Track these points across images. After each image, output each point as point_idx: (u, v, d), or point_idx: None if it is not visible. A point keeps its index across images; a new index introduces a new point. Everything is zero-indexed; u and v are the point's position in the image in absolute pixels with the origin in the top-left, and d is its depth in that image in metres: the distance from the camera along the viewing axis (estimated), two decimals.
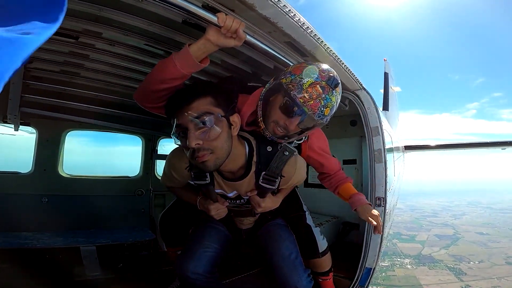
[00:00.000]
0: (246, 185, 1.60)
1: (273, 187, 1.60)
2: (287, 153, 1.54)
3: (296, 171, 1.60)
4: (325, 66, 1.45)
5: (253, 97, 1.57)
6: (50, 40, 1.85)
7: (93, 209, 3.51)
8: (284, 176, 1.58)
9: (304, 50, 1.66)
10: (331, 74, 1.40)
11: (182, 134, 1.25)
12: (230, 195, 1.67)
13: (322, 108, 1.37)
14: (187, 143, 1.22)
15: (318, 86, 1.36)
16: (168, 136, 4.34)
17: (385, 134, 2.50)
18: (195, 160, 1.29)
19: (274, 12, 1.31)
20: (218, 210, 1.65)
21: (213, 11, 1.29)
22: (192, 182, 1.63)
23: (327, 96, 1.37)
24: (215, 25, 1.21)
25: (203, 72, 2.34)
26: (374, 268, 2.32)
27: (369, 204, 1.93)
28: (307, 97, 1.34)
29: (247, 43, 1.54)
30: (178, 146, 1.60)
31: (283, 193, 1.79)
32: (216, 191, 1.64)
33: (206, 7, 1.25)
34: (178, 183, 1.73)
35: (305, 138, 1.73)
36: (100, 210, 3.57)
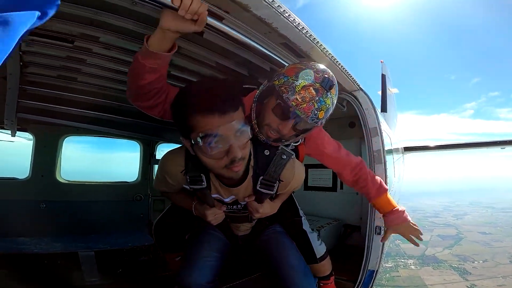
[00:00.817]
0: (243, 190, 1.54)
1: (272, 192, 1.54)
2: (285, 156, 1.49)
3: (294, 175, 1.55)
4: (320, 66, 1.39)
5: (249, 99, 1.51)
6: (46, 45, 1.85)
7: (91, 214, 3.49)
8: (282, 181, 1.53)
9: (300, 51, 1.65)
10: (325, 75, 1.34)
11: (215, 143, 1.13)
12: (227, 200, 1.60)
13: (316, 111, 1.32)
14: (233, 154, 1.15)
15: (311, 88, 1.30)
16: (167, 141, 4.34)
17: (384, 135, 2.48)
18: (228, 170, 1.23)
19: (269, 13, 1.30)
20: (215, 216, 1.58)
21: (209, 14, 1.28)
22: (187, 187, 1.56)
23: (321, 98, 1.31)
24: (171, 7, 1.07)
25: (199, 74, 2.34)
26: (377, 270, 2.29)
27: (405, 218, 1.89)
28: (299, 100, 1.29)
29: (242, 45, 1.53)
30: (171, 150, 1.55)
31: (281, 198, 1.74)
32: (213, 195, 1.57)
33: None
34: (172, 188, 1.66)
35: (301, 140, 1.68)
36: (99, 215, 3.55)
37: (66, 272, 2.69)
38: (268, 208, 1.63)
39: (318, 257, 1.99)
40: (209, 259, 1.70)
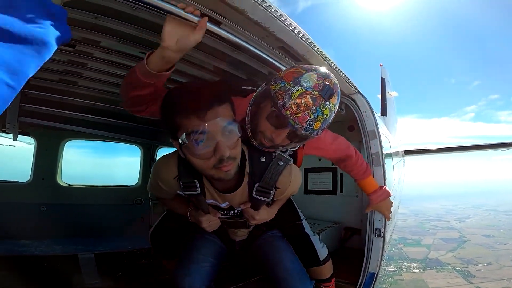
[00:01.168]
0: (238, 196, 1.49)
1: (268, 199, 1.49)
2: (282, 163, 1.42)
3: (291, 182, 1.50)
4: (322, 71, 1.28)
5: (247, 101, 1.44)
6: None
7: (91, 218, 3.51)
8: (279, 188, 1.48)
9: (297, 55, 1.67)
10: (326, 83, 1.23)
11: (201, 141, 1.09)
12: (223, 205, 1.55)
13: (311, 122, 1.23)
14: (220, 152, 1.10)
15: (308, 96, 1.20)
16: (167, 145, 4.35)
17: (383, 138, 2.49)
18: (217, 170, 1.17)
19: (265, 17, 1.33)
20: (210, 222, 1.55)
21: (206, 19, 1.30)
22: (181, 193, 1.51)
23: (317, 108, 1.21)
24: (172, 13, 1.05)
25: (198, 78, 2.36)
26: (378, 273, 2.28)
27: (388, 194, 2.13)
28: (294, 109, 1.20)
29: (240, 49, 1.54)
30: (164, 155, 1.52)
31: (278, 203, 1.69)
32: (208, 201, 1.52)
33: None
34: (166, 194, 1.62)
35: (300, 145, 1.58)
36: (99, 219, 3.57)
37: (66, 274, 2.70)
38: (265, 215, 1.59)
39: (321, 259, 1.94)
40: (205, 264, 1.68)
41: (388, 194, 2.14)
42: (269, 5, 1.28)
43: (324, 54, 1.70)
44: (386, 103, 8.01)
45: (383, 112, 7.88)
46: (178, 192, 1.54)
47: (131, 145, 4.20)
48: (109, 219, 3.68)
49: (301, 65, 1.38)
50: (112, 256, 3.08)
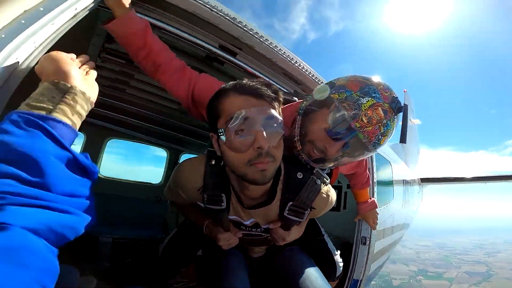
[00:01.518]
0: (267, 214, 1.37)
1: (301, 220, 1.37)
2: (319, 182, 1.30)
3: (327, 204, 1.40)
4: (384, 83, 1.18)
5: (291, 108, 1.35)
6: (104, 59, 2.35)
7: (115, 208, 3.89)
8: (314, 209, 1.36)
9: (296, 79, 2.04)
10: (394, 95, 1.14)
11: (242, 125, 0.99)
12: (247, 222, 1.41)
13: (380, 136, 1.12)
14: (259, 143, 0.97)
15: (380, 108, 1.09)
16: (191, 152, 4.82)
17: (384, 163, 2.68)
18: (252, 168, 1.03)
19: (268, 51, 1.76)
20: (228, 241, 1.41)
21: (227, 50, 1.72)
22: (201, 205, 1.37)
23: (388, 122, 1.11)
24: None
25: None
26: (361, 280, 2.39)
27: (375, 205, 2.36)
28: (365, 121, 1.08)
29: (252, 74, 1.92)
30: (187, 160, 1.36)
31: (306, 220, 1.57)
32: (230, 217, 1.38)
33: (221, 47, 1.71)
34: (183, 201, 1.51)
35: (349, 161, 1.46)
36: (121, 210, 3.97)
37: (84, 253, 2.96)
38: (295, 234, 1.47)
39: (336, 276, 1.91)
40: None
41: (375, 206, 2.36)
42: (271, 42, 1.72)
43: (319, 80, 2.06)
44: (406, 130, 8.00)
45: (403, 140, 7.85)
46: (198, 203, 1.41)
47: (160, 148, 4.70)
48: (130, 211, 4.06)
49: (356, 75, 1.24)
50: (128, 244, 3.50)
